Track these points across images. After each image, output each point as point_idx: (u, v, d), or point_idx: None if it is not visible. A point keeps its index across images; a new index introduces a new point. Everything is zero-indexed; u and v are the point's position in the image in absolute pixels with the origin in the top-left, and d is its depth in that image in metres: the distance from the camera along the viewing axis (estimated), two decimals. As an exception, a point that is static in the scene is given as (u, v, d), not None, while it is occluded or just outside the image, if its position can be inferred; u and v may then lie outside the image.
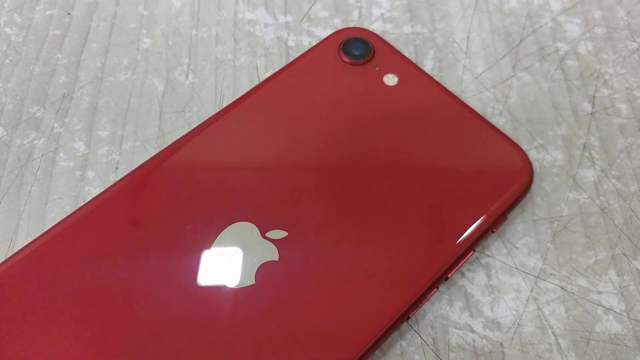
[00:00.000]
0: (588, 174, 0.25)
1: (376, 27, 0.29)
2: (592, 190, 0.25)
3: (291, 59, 0.28)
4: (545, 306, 0.22)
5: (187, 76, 0.27)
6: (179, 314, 0.20)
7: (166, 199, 0.22)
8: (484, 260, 0.23)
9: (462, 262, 0.22)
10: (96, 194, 0.23)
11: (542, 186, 0.25)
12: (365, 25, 0.29)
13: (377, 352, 0.21)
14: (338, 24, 0.29)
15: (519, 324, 0.22)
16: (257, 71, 0.27)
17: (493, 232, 0.23)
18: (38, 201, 0.24)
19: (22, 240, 0.23)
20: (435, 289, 0.21)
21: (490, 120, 0.26)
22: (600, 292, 0.22)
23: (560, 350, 0.21)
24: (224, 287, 0.20)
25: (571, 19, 0.29)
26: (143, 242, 0.21)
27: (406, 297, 0.20)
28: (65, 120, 0.26)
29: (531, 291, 0.22)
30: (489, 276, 0.23)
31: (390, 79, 0.25)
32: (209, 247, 0.21)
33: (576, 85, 0.27)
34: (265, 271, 0.21)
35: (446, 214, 0.22)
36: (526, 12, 0.30)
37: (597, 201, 0.24)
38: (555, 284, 0.23)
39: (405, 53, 0.28)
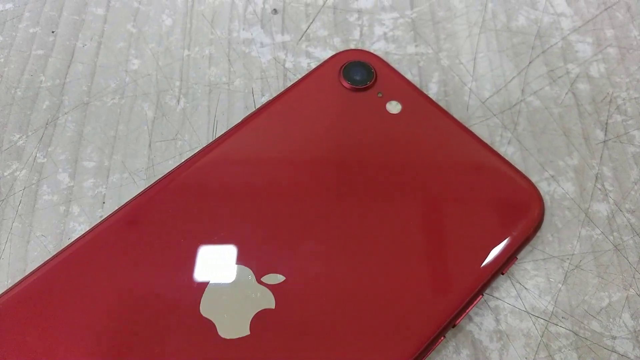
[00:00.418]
0: (601, 208, 0.24)
1: (378, 47, 0.27)
2: (605, 225, 0.23)
3: (289, 82, 0.26)
4: (557, 353, 0.21)
5: (178, 101, 0.26)
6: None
7: (154, 238, 0.21)
8: (492, 303, 0.22)
9: (470, 308, 0.20)
10: (82, 232, 0.22)
11: (552, 221, 0.23)
12: (367, 46, 0.27)
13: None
14: (338, 43, 0.27)
15: (529, 373, 0.21)
16: (253, 95, 0.26)
17: (502, 274, 0.21)
18: (19, 239, 0.22)
19: (3, 283, 0.21)
20: (442, 338, 0.20)
21: (498, 150, 0.25)
22: (614, 337, 0.21)
23: (572, 402, 0.20)
24: (216, 338, 0.19)
25: (582, 38, 0.28)
26: (130, 286, 0.20)
27: (411, 349, 0.19)
28: (49, 149, 0.24)
29: (542, 336, 0.21)
30: (497, 320, 0.21)
31: (394, 107, 0.24)
32: (199, 293, 0.20)
33: (588, 111, 0.26)
34: (260, 320, 0.19)
35: (454, 257, 0.21)
36: (535, 30, 0.28)
37: (611, 237, 0.23)
38: (567, 329, 0.21)
39: (409, 76, 0.27)
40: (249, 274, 0.20)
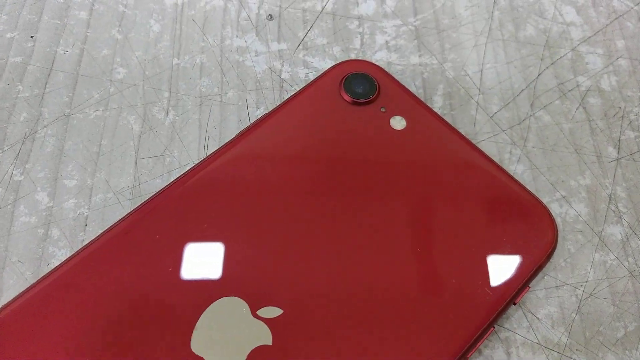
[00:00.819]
0: (615, 231, 0.23)
1: (380, 57, 0.26)
2: (620, 250, 0.22)
3: (285, 94, 0.25)
4: (572, 389, 0.20)
5: (167, 113, 0.24)
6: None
7: (140, 266, 0.19)
8: (502, 335, 0.21)
9: (481, 342, 0.19)
10: (63, 257, 0.20)
11: (565, 246, 0.22)
12: (368, 55, 0.26)
13: None
14: (338, 53, 0.26)
15: (542, 411, 0.19)
16: (247, 108, 0.24)
17: (514, 304, 0.20)
18: (-7, 265, 0.20)
19: (-26, 315, 0.19)
20: (451, 374, 0.19)
21: (507, 169, 0.23)
22: (631, 371, 0.20)
23: None
24: (209, 379, 0.18)
25: (593, 49, 0.27)
26: (115, 318, 0.18)
27: (419, 389, 0.18)
28: (27, 166, 0.22)
29: (555, 371, 0.20)
30: (508, 354, 0.20)
31: (398, 122, 0.23)
32: (190, 327, 0.18)
33: (600, 127, 0.25)
34: (256, 358, 0.18)
35: (463, 288, 0.19)
36: (544, 40, 0.27)
37: (626, 263, 0.22)
38: (581, 362, 0.20)
39: (413, 88, 0.25)
40: (244, 307, 0.19)
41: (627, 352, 0.20)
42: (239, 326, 0.18)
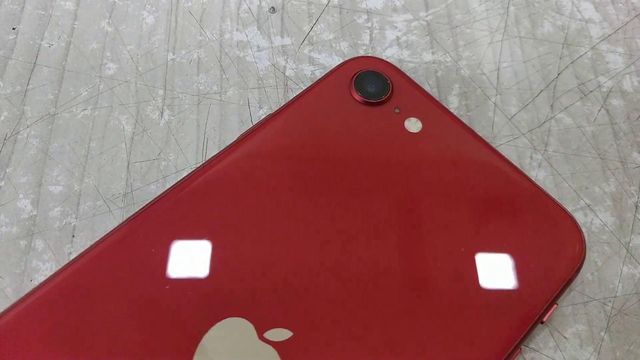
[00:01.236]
0: (643, 242, 0.21)
1: (391, 53, 0.24)
2: (649, 262, 0.21)
3: (290, 93, 0.23)
4: (603, 414, 0.18)
5: (161, 113, 0.22)
6: None
7: (134, 283, 0.17)
8: (528, 355, 0.19)
9: (507, 365, 0.18)
10: (48, 272, 0.18)
11: (591, 258, 0.21)
12: (378, 52, 0.24)
13: None
14: (345, 49, 0.24)
15: None
16: (249, 108, 0.22)
17: (542, 323, 0.18)
18: (-31, 281, 0.19)
19: (-53, 337, 0.18)
20: (476, 401, 0.17)
21: (529, 174, 0.22)
22: (664, 394, 0.19)
23: None
24: (212, 410, 0.16)
25: (613, 48, 0.25)
26: (115, 335, 0.16)
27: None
28: (7, 170, 0.20)
29: (585, 394, 0.19)
30: (534, 376, 0.19)
31: (413, 124, 0.21)
32: (191, 351, 0.16)
33: (623, 130, 0.23)
34: (264, 386, 0.16)
35: (489, 308, 0.18)
36: (562, 38, 0.25)
37: (655, 276, 0.21)
38: (612, 385, 0.19)
39: (426, 87, 0.24)
40: (250, 329, 0.17)
41: (659, 372, 0.19)
42: (244, 350, 0.17)
